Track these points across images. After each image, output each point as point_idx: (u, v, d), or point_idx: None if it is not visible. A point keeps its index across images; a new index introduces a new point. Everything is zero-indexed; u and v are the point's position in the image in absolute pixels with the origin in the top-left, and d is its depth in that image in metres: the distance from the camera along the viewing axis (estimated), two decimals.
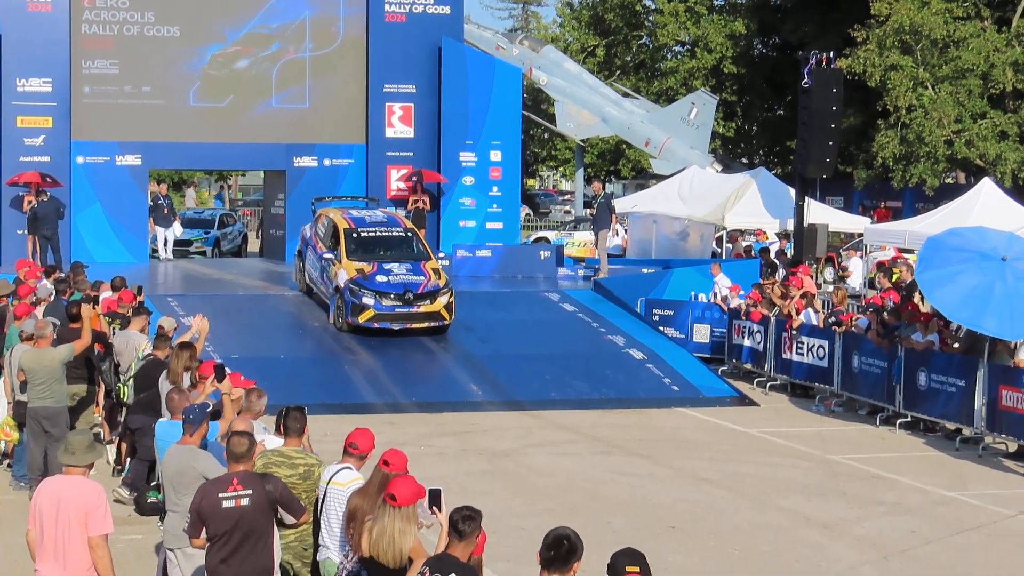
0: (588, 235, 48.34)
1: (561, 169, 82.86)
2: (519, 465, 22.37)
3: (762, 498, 20.37)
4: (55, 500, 11.14)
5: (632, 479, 21.47)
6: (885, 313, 27.54)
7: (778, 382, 29.86)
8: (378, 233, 31.74)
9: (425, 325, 29.89)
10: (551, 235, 55.47)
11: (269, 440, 13.27)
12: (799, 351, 28.98)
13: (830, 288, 37.34)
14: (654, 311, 33.34)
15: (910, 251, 36.27)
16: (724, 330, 31.85)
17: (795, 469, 22.44)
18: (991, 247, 24.47)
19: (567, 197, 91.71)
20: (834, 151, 38.63)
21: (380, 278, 29.97)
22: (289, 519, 11.70)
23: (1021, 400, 22.51)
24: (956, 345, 25.53)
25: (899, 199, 60.52)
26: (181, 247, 45.90)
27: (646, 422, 26.19)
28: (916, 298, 28.94)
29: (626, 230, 48.03)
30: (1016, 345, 24.45)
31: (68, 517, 11.05)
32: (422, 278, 30.16)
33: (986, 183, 34.69)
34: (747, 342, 30.93)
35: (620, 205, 44.74)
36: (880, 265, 35.63)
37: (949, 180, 61.81)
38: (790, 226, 39.84)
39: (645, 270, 37.51)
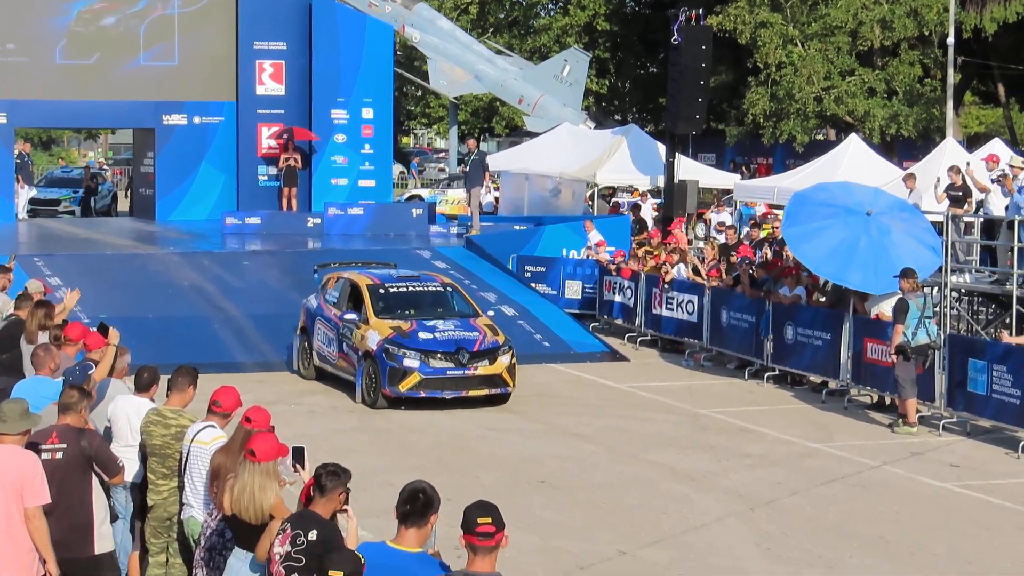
0: (461, 193, 48.34)
1: (435, 127, 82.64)
2: (390, 423, 22.38)
3: (631, 452, 20.53)
4: None
5: (502, 435, 21.57)
6: (754, 267, 27.81)
7: (648, 337, 30.06)
8: (410, 288, 25.28)
9: (485, 392, 23.72)
10: (424, 193, 55.35)
11: (125, 399, 13.13)
12: (669, 306, 29.18)
13: (701, 244, 37.64)
14: (526, 268, 33.41)
15: (780, 207, 36.66)
16: (595, 286, 32.00)
17: (664, 423, 22.64)
18: (856, 202, 24.78)
19: (441, 155, 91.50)
20: (704, 108, 38.90)
21: (424, 335, 23.62)
22: (105, 478, 11.69)
23: (885, 352, 22.80)
24: (823, 299, 25.84)
25: (770, 155, 61.16)
26: (49, 207, 45.40)
27: (517, 378, 26.21)
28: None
29: (498, 188, 48.05)
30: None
31: (3, 487, 10.64)
32: (476, 334, 23.93)
33: (853, 139, 35.16)
34: (618, 298, 31.09)
35: (493, 162, 44.71)
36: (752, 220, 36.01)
37: (819, 137, 62.57)
38: (661, 182, 40.07)
39: (517, 227, 37.60)
